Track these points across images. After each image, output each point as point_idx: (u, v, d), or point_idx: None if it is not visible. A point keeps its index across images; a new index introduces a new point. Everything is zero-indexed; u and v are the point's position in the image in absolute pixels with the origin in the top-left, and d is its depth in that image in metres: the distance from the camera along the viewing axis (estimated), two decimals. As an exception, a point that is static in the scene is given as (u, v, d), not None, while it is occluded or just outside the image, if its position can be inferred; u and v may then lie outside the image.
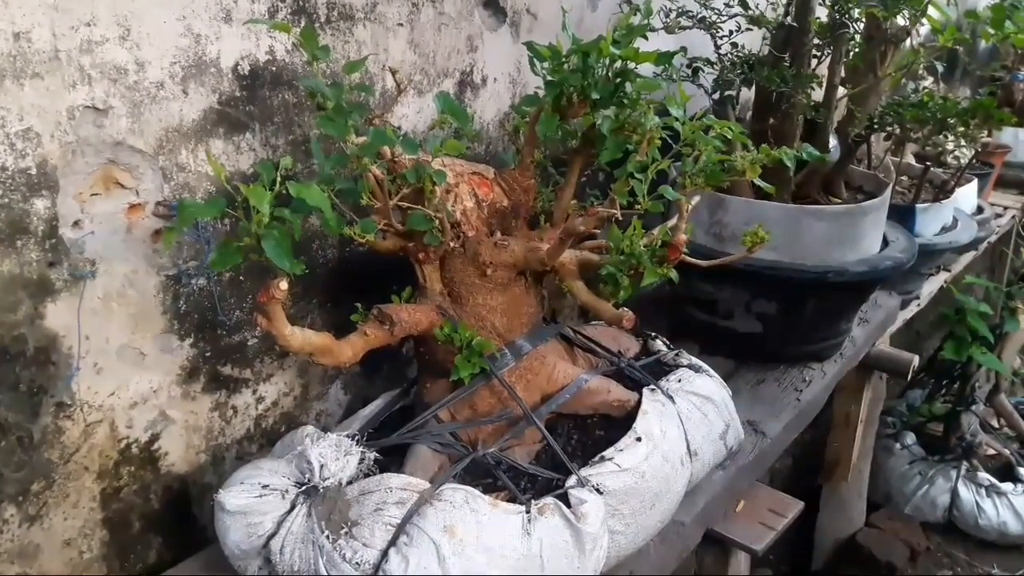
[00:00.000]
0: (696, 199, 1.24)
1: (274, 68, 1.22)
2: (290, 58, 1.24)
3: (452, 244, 1.19)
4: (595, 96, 1.12)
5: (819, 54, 1.82)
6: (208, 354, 1.26)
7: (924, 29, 2.13)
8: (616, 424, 1.25)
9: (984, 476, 3.22)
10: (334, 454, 1.08)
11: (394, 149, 1.11)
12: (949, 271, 2.80)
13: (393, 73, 1.19)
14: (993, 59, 3.83)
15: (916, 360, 2.25)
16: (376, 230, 1.12)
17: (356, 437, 1.14)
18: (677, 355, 1.43)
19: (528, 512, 1.05)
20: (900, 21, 1.71)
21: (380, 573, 0.97)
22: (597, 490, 1.11)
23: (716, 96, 1.85)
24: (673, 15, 1.77)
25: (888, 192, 1.78)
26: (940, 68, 2.14)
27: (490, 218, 1.25)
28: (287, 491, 1.07)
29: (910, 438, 3.39)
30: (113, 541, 1.21)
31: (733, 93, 1.85)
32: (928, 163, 2.39)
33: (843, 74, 1.85)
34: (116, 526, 1.21)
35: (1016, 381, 3.83)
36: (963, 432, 3.31)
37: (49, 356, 1.07)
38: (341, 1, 1.28)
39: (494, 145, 1.66)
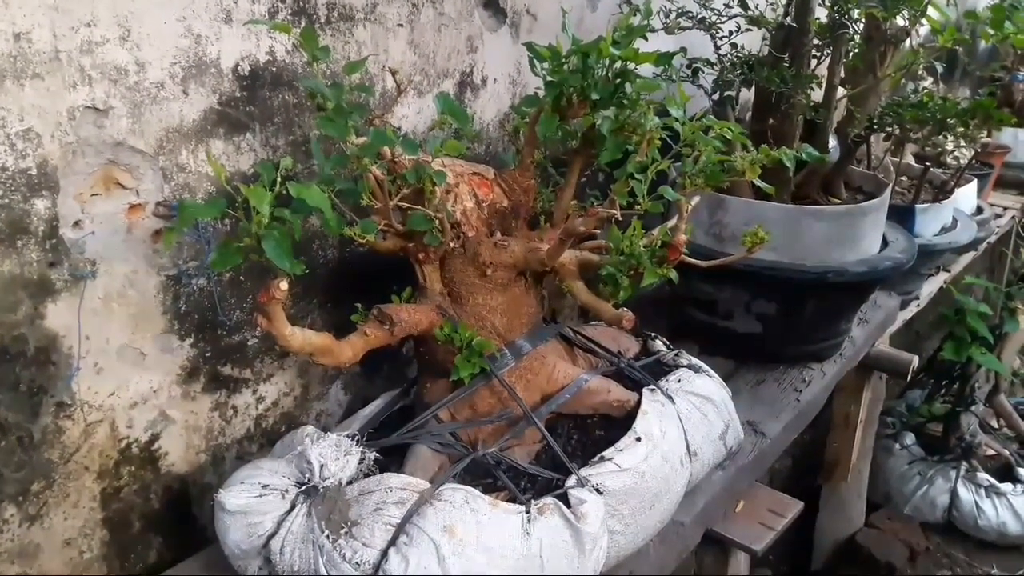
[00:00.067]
0: (696, 199, 1.24)
1: (274, 69, 1.22)
2: (290, 59, 1.24)
3: (452, 244, 1.19)
4: (595, 97, 1.12)
5: (819, 55, 1.82)
6: (208, 354, 1.26)
7: (924, 29, 2.13)
8: (616, 424, 1.25)
9: (983, 476, 3.22)
10: (334, 454, 1.08)
11: (394, 149, 1.11)
12: (949, 271, 2.80)
13: (393, 74, 1.19)
14: (992, 60, 3.83)
15: (916, 360, 2.25)
16: (376, 230, 1.12)
17: (356, 437, 1.14)
18: (677, 355, 1.43)
19: (528, 512, 1.05)
20: (900, 22, 1.71)
21: (380, 573, 0.97)
22: (597, 490, 1.11)
23: (716, 97, 1.85)
24: (673, 16, 1.77)
25: (888, 192, 1.78)
26: (940, 69, 2.14)
27: (490, 218, 1.26)
28: (287, 491, 1.07)
29: (910, 438, 3.39)
30: (113, 541, 1.21)
31: (733, 94, 1.85)
32: (928, 163, 2.39)
33: (843, 74, 1.85)
34: (116, 526, 1.21)
35: (1016, 381, 3.84)
36: (962, 432, 3.31)
37: (49, 356, 1.07)
38: (341, 2, 1.28)
39: (494, 145, 1.66)
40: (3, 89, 0.95)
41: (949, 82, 3.69)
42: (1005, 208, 3.41)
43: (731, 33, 1.82)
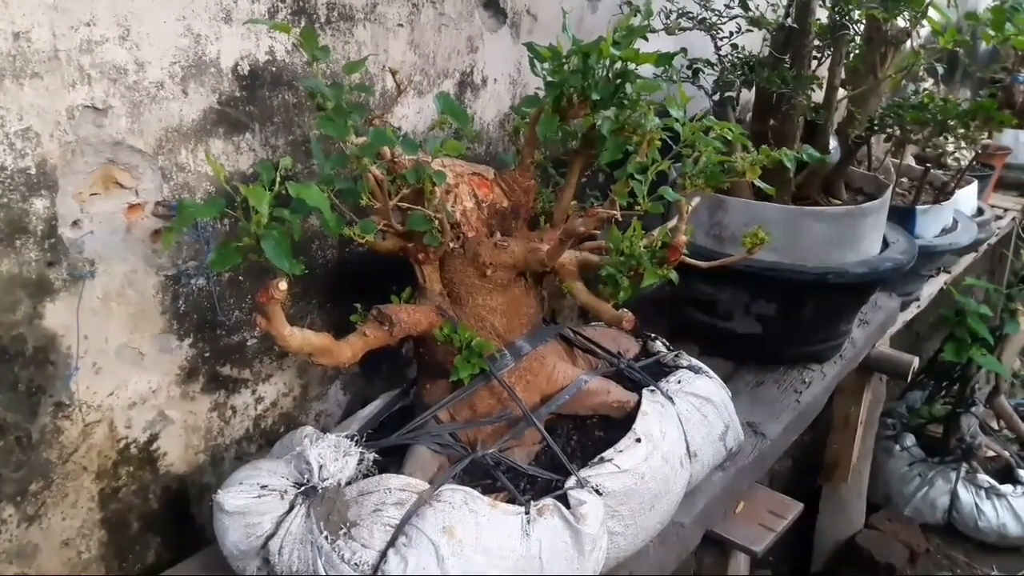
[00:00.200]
0: (696, 200, 1.24)
1: (274, 68, 1.22)
2: (290, 58, 1.24)
3: (452, 245, 1.19)
4: (595, 97, 1.11)
5: (819, 56, 1.82)
6: (207, 354, 1.26)
7: (924, 31, 2.13)
8: (616, 425, 1.25)
9: (984, 478, 3.22)
10: (333, 455, 1.08)
11: (394, 149, 1.11)
12: (949, 273, 2.80)
13: (393, 74, 1.19)
14: (993, 61, 3.83)
15: (916, 362, 2.25)
16: (376, 230, 1.12)
17: (355, 438, 1.14)
18: (677, 356, 1.43)
19: (527, 513, 1.05)
20: (900, 23, 1.71)
21: (379, 574, 0.97)
22: (596, 491, 1.10)
23: (716, 97, 1.85)
24: (673, 16, 1.77)
25: (888, 194, 1.78)
26: (940, 70, 2.14)
27: (490, 219, 1.25)
28: (286, 492, 1.07)
29: (910, 440, 3.39)
30: (112, 541, 1.21)
31: (733, 94, 1.85)
32: (928, 165, 2.39)
33: (843, 76, 1.85)
34: (115, 526, 1.21)
35: (1016, 383, 3.84)
36: (963, 434, 3.31)
37: (48, 356, 1.07)
38: (341, 1, 1.28)
39: (494, 146, 1.66)
40: (2, 88, 0.95)
41: (950, 83, 3.69)
42: (1006, 209, 3.41)
43: (732, 34, 1.82)
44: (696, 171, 1.18)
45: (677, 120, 1.20)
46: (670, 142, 1.20)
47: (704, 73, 1.87)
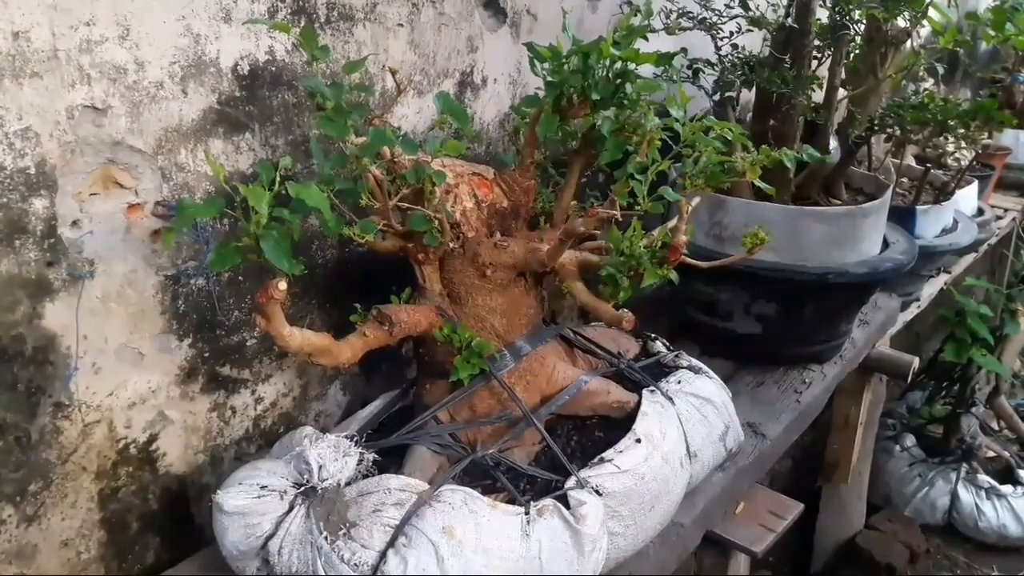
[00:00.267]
0: (696, 200, 1.24)
1: (274, 68, 1.22)
2: (290, 58, 1.24)
3: (452, 245, 1.19)
4: (595, 97, 1.11)
5: (820, 56, 1.82)
6: (207, 354, 1.26)
7: (925, 31, 2.13)
8: (616, 425, 1.25)
9: (984, 478, 3.22)
10: (333, 455, 1.07)
11: (394, 149, 1.11)
12: (949, 273, 2.80)
13: (393, 73, 1.19)
14: (994, 61, 3.83)
15: (916, 362, 2.25)
16: (375, 230, 1.12)
17: (355, 438, 1.14)
18: (677, 356, 1.43)
19: (527, 513, 1.05)
20: (901, 23, 1.71)
21: (378, 574, 0.97)
22: (596, 492, 1.10)
23: (716, 97, 1.85)
24: (673, 16, 1.77)
25: (888, 194, 1.78)
26: (941, 70, 2.14)
27: (490, 219, 1.25)
28: (285, 492, 1.06)
29: (910, 440, 3.39)
30: (111, 542, 1.21)
31: (733, 94, 1.85)
32: (928, 165, 2.39)
33: (843, 76, 1.85)
34: (114, 527, 1.21)
35: (1016, 383, 3.84)
36: (963, 434, 3.31)
37: (47, 356, 1.07)
38: (341, 1, 1.28)
39: (494, 146, 1.66)
40: (2, 88, 0.95)
41: (950, 83, 3.68)
42: (1006, 210, 3.41)
43: (732, 34, 1.82)
44: (696, 171, 1.18)
45: (677, 120, 1.19)
46: (670, 142, 1.20)
47: (704, 73, 1.86)
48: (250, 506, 1.05)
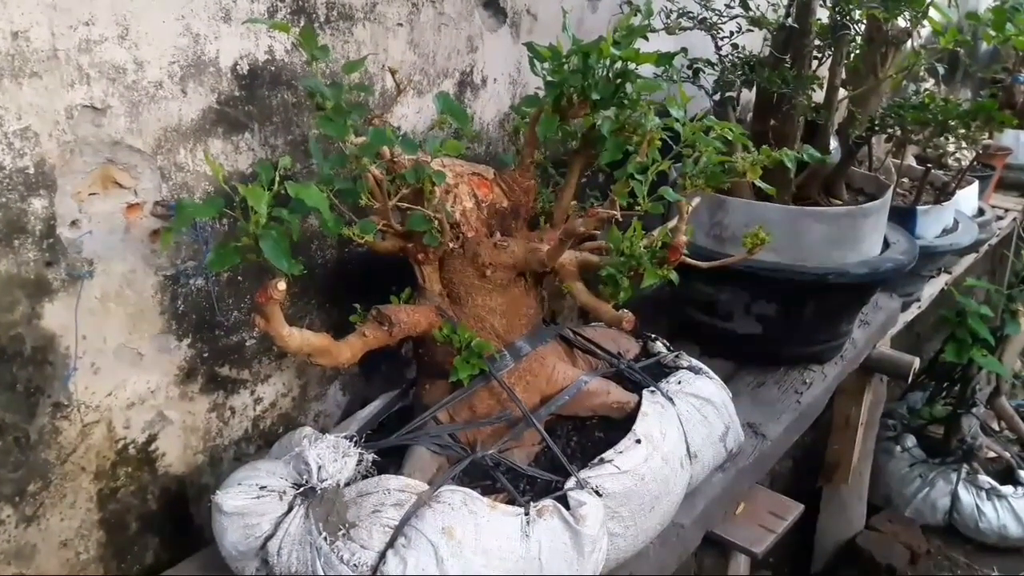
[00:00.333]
0: (696, 200, 1.23)
1: (273, 68, 1.22)
2: (289, 58, 1.23)
3: (451, 245, 1.19)
4: (595, 97, 1.11)
5: (820, 55, 1.82)
6: (206, 355, 1.25)
7: (925, 31, 2.13)
8: (616, 426, 1.25)
9: (984, 479, 3.22)
10: (332, 455, 1.07)
11: (393, 149, 1.11)
12: (950, 273, 2.80)
13: (392, 73, 1.19)
14: (994, 61, 3.83)
15: (917, 362, 2.25)
16: (375, 230, 1.12)
17: (354, 438, 1.13)
18: (677, 357, 1.43)
19: (527, 514, 1.05)
20: (901, 23, 1.71)
21: (378, 574, 0.97)
22: (596, 492, 1.10)
23: (717, 97, 1.84)
24: (674, 16, 1.77)
25: (889, 194, 1.78)
26: (941, 70, 2.13)
27: (490, 219, 1.25)
28: (285, 492, 1.06)
29: (910, 440, 3.39)
30: (110, 542, 1.21)
31: (734, 94, 1.85)
32: (929, 165, 2.39)
33: (844, 76, 1.84)
34: (113, 527, 1.21)
35: (1017, 384, 3.83)
36: (964, 435, 3.31)
37: (46, 356, 1.07)
38: (341, 1, 1.28)
39: (494, 146, 1.66)
40: (1, 88, 0.95)
41: (950, 84, 3.68)
42: (1006, 210, 3.41)
43: (732, 34, 1.82)
44: (696, 171, 1.18)
45: (677, 120, 1.19)
46: (670, 142, 1.20)
47: (704, 73, 1.86)
48: (249, 506, 1.05)
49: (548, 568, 1.03)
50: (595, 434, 1.26)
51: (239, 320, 1.28)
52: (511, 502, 1.08)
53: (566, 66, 1.12)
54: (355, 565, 0.97)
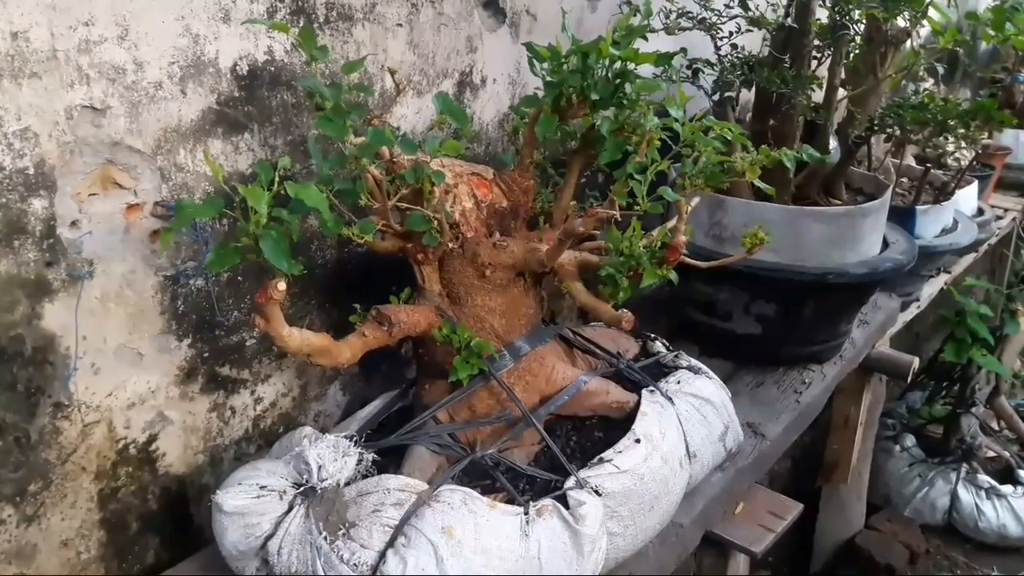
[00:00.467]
0: (695, 200, 1.23)
1: (273, 68, 1.22)
2: (289, 58, 1.24)
3: (451, 245, 1.19)
4: (595, 97, 1.11)
5: (819, 55, 1.82)
6: (206, 355, 1.26)
7: (924, 31, 2.13)
8: (615, 426, 1.25)
9: (984, 478, 3.22)
10: (332, 455, 1.07)
11: (393, 149, 1.11)
12: (949, 273, 2.80)
13: (392, 73, 1.19)
14: (993, 61, 3.83)
15: (916, 362, 2.25)
16: (375, 231, 1.12)
17: (354, 438, 1.14)
18: (676, 357, 1.43)
19: (526, 514, 1.05)
20: (900, 23, 1.71)
21: (377, 574, 0.97)
22: (596, 492, 1.10)
23: (716, 97, 1.85)
24: (673, 16, 1.77)
25: (888, 194, 1.78)
26: (940, 70, 2.14)
27: (489, 219, 1.25)
28: (285, 492, 1.06)
29: (910, 440, 3.39)
30: (111, 542, 1.21)
31: (733, 94, 1.85)
32: (928, 165, 2.39)
33: (843, 75, 1.84)
34: (114, 527, 1.21)
35: (1016, 383, 3.83)
36: (963, 434, 3.31)
37: (46, 356, 1.07)
38: (340, 1, 1.28)
39: (493, 146, 1.66)
40: (1, 88, 0.95)
41: (950, 83, 3.68)
42: (1006, 210, 3.41)
43: (731, 34, 1.82)
44: (696, 171, 1.18)
45: (677, 120, 1.19)
46: (670, 142, 1.20)
47: (704, 73, 1.86)
48: (249, 506, 1.05)
49: (548, 568, 1.03)
50: (594, 434, 1.27)
51: (239, 320, 1.28)
52: (511, 502, 1.08)
53: (565, 66, 1.12)
54: (355, 564, 0.97)
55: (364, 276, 1.42)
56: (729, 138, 1.21)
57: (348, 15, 1.30)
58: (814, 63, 1.81)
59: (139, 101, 1.08)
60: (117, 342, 1.14)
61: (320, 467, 1.06)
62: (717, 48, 1.83)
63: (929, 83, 2.65)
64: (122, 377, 1.16)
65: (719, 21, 1.79)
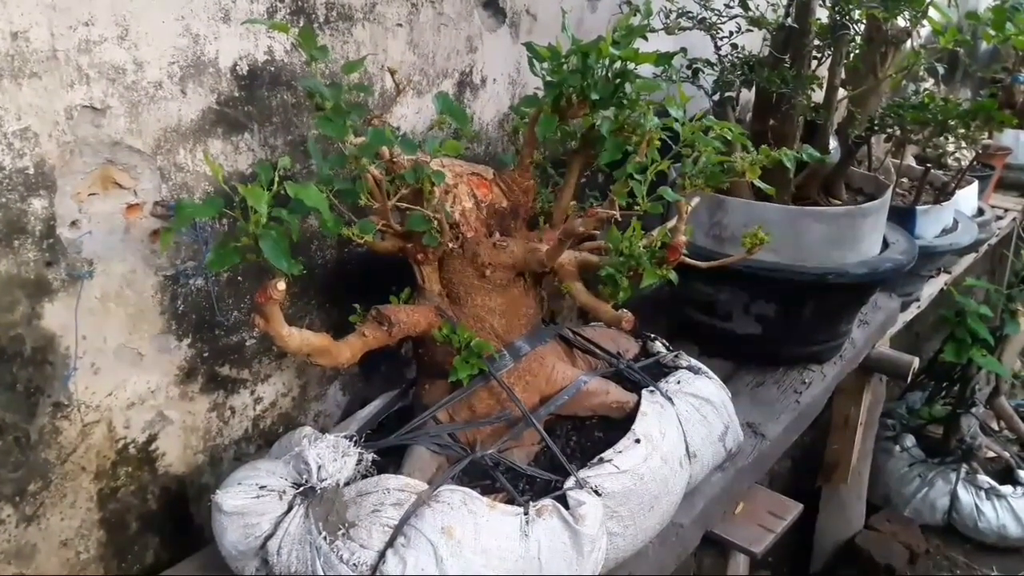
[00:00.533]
0: (695, 200, 1.23)
1: (273, 68, 1.22)
2: (289, 58, 1.24)
3: (451, 245, 1.19)
4: (595, 97, 1.11)
5: (819, 55, 1.82)
6: (206, 354, 1.26)
7: (925, 31, 2.13)
8: (615, 426, 1.25)
9: (984, 479, 3.22)
10: (332, 455, 1.07)
11: (393, 149, 1.11)
12: (949, 273, 2.80)
13: (392, 73, 1.19)
14: (994, 61, 3.83)
15: (916, 362, 2.25)
16: (375, 230, 1.12)
17: (354, 438, 1.14)
18: (676, 357, 1.43)
19: (526, 514, 1.05)
20: (901, 22, 1.71)
21: (377, 574, 0.97)
22: (596, 492, 1.10)
23: (716, 97, 1.85)
24: (673, 16, 1.77)
25: (888, 194, 1.78)
26: (941, 70, 2.13)
27: (489, 219, 1.25)
28: (284, 492, 1.06)
29: (910, 440, 3.39)
30: (110, 542, 1.21)
31: (733, 94, 1.85)
32: (929, 165, 2.39)
33: (843, 75, 1.84)
34: (113, 527, 1.21)
35: (1016, 384, 3.83)
36: (963, 434, 3.31)
37: (46, 356, 1.07)
38: (340, 1, 1.28)
39: (493, 146, 1.66)
40: (1, 88, 0.95)
41: (950, 83, 3.68)
42: (1006, 210, 3.41)
43: (732, 34, 1.82)
44: (696, 171, 1.18)
45: (677, 120, 1.19)
46: (670, 142, 1.20)
47: (704, 73, 1.86)
48: (249, 506, 1.05)
49: (547, 568, 1.03)
50: (594, 434, 1.27)
51: (239, 320, 1.28)
52: (510, 502, 1.08)
53: (565, 66, 1.12)
54: (355, 564, 0.97)
55: (364, 276, 1.42)
56: (729, 138, 1.21)
57: (348, 15, 1.30)
58: (814, 63, 1.81)
59: (139, 101, 1.08)
60: (117, 342, 1.14)
61: (320, 467, 1.06)
62: (717, 48, 1.83)
63: (929, 83, 2.65)
64: (122, 377, 1.16)
65: (719, 21, 1.79)
